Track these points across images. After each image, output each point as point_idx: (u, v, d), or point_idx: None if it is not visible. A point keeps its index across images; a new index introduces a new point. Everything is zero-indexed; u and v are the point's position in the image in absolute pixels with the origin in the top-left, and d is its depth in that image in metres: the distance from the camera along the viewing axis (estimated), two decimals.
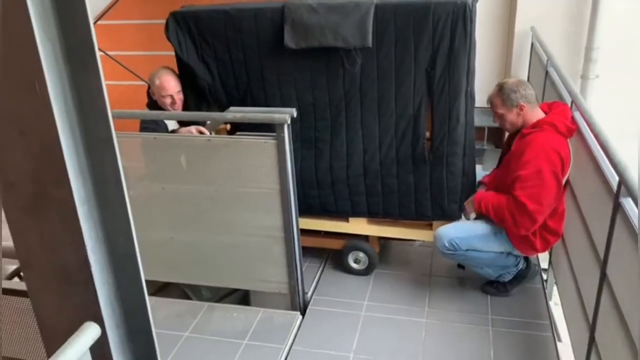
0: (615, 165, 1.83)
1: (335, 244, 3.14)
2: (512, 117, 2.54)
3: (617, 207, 1.80)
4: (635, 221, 1.66)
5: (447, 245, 2.62)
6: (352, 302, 2.86)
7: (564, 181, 2.45)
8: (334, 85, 2.69)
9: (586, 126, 2.32)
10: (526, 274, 2.79)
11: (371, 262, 3.06)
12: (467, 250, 2.62)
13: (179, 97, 2.87)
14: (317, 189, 2.91)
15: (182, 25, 2.77)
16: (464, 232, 2.64)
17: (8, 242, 1.12)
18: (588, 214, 2.26)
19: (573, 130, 2.45)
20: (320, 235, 3.14)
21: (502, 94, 2.53)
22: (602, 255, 1.93)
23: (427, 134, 2.69)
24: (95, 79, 1.02)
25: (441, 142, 2.64)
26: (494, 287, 2.83)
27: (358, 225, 3.00)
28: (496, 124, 2.69)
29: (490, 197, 2.55)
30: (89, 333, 1.07)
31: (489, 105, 2.63)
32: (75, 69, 1.00)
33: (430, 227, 2.89)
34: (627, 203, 1.74)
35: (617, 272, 1.84)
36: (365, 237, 3.08)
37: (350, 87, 2.67)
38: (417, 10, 2.49)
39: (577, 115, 2.49)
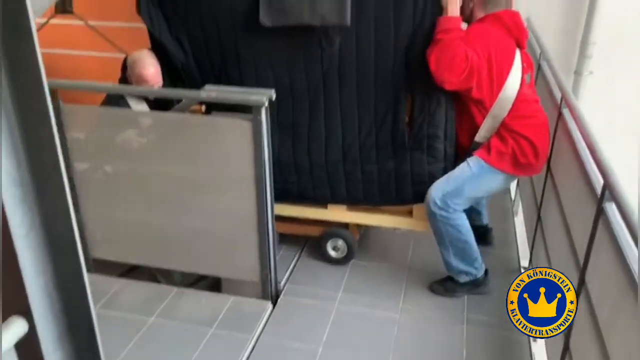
0: (601, 168, 1.75)
1: (314, 231, 3.05)
2: None
3: (600, 212, 1.73)
4: (616, 228, 1.59)
5: (439, 203, 2.52)
6: (325, 293, 2.78)
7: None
8: (312, 67, 2.56)
9: (574, 124, 2.23)
10: (481, 283, 2.73)
11: (350, 251, 2.98)
12: (460, 211, 2.52)
13: (160, 85, 2.69)
14: (295, 175, 2.80)
15: (153, 0, 2.62)
16: (452, 183, 2.53)
17: None
18: (570, 216, 2.19)
19: (520, 28, 2.41)
20: (299, 222, 3.05)
21: None
22: (581, 261, 1.86)
23: (407, 119, 2.59)
24: (29, 45, 0.92)
25: (421, 126, 2.54)
26: (443, 285, 2.76)
27: (337, 212, 2.90)
28: None
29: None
30: (14, 329, 0.98)
31: None
32: (6, 34, 0.90)
33: (410, 214, 2.81)
34: (610, 208, 1.66)
35: (595, 279, 1.77)
36: (345, 225, 2.99)
37: (329, 69, 2.54)
38: None
39: (566, 112, 2.40)
